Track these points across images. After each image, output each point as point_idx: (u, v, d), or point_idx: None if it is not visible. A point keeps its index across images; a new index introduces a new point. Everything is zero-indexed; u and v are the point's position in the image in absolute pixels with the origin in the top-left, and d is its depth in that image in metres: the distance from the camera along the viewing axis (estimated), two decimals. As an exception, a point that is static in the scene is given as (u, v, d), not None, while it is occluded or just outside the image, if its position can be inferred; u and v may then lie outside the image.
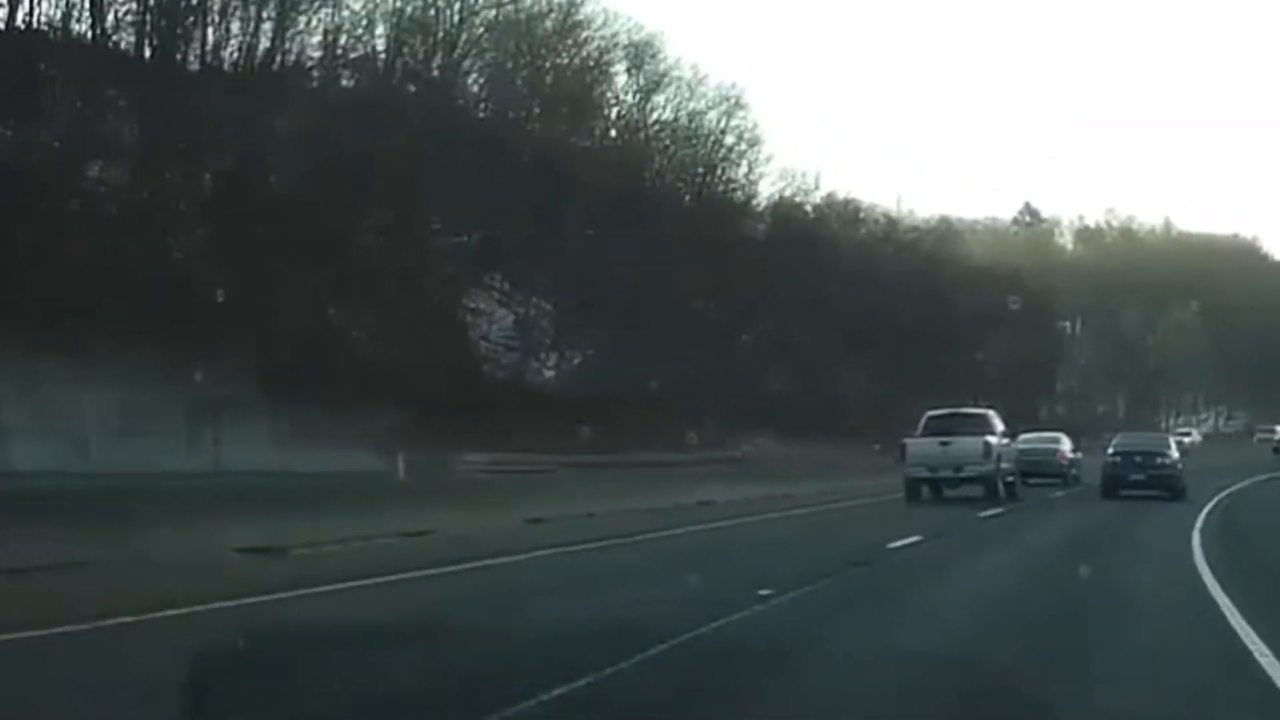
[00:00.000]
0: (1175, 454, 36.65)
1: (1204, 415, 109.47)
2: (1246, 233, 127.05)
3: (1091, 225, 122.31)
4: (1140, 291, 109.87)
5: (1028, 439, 44.11)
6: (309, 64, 50.75)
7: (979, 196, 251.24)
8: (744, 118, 67.78)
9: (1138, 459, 35.99)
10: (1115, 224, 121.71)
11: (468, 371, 51.86)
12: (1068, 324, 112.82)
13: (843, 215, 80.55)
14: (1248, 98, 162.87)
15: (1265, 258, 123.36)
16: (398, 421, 41.25)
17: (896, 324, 73.15)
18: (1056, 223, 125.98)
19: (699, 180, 68.59)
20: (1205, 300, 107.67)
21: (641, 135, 65.80)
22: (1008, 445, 35.96)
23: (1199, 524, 26.16)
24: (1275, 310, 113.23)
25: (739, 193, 70.93)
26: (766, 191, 74.50)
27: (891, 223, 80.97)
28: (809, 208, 77.58)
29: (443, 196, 53.51)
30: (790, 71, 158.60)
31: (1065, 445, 47.42)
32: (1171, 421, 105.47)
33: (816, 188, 77.08)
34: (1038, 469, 42.82)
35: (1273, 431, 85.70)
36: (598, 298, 57.52)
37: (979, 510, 30.71)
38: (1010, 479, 35.36)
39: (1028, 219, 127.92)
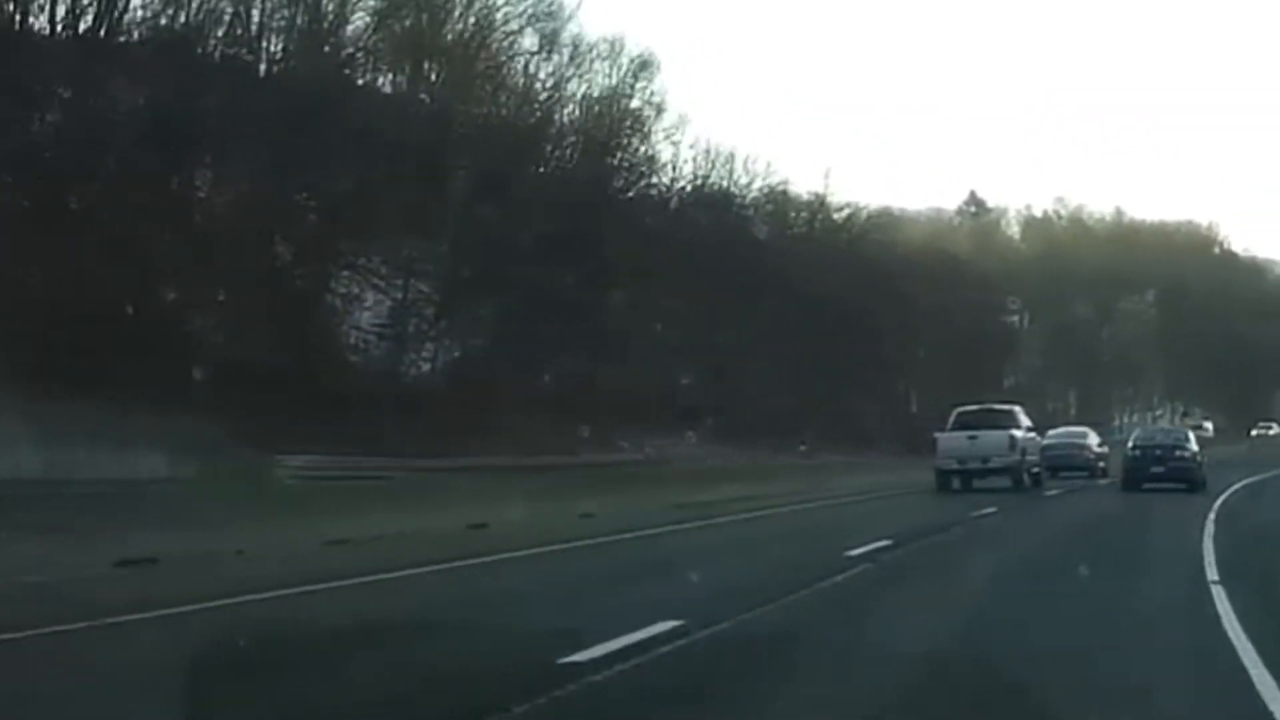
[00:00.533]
0: (1194, 447, 37.07)
1: (1159, 412, 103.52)
2: (1202, 219, 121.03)
3: (1039, 214, 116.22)
4: (1092, 282, 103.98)
5: (1055, 434, 47.35)
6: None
7: (923, 187, 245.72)
8: (652, 80, 61.08)
9: (1158, 452, 36.47)
10: (1064, 213, 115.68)
11: (325, 364, 45.08)
12: (1015, 318, 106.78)
13: (773, 200, 74.05)
14: (1199, 83, 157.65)
15: (1222, 244, 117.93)
16: (219, 420, 34.71)
17: (826, 315, 66.86)
18: (1003, 212, 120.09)
19: (609, 153, 61.89)
20: (1161, 290, 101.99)
21: (541, 104, 58.97)
22: (1033, 439, 38.35)
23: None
24: (1233, 299, 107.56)
25: (654, 171, 64.30)
26: (690, 171, 68.14)
27: (820, 205, 73.89)
28: (735, 191, 70.90)
29: (306, 164, 46.69)
30: (730, 60, 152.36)
31: (1092, 439, 48.87)
32: (1127, 419, 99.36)
33: (747, 173, 70.25)
34: (1067, 462, 44.16)
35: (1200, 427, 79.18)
36: (486, 281, 50.86)
37: (972, 509, 27.97)
38: (1035, 470, 37.55)
39: (973, 209, 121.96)
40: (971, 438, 35.56)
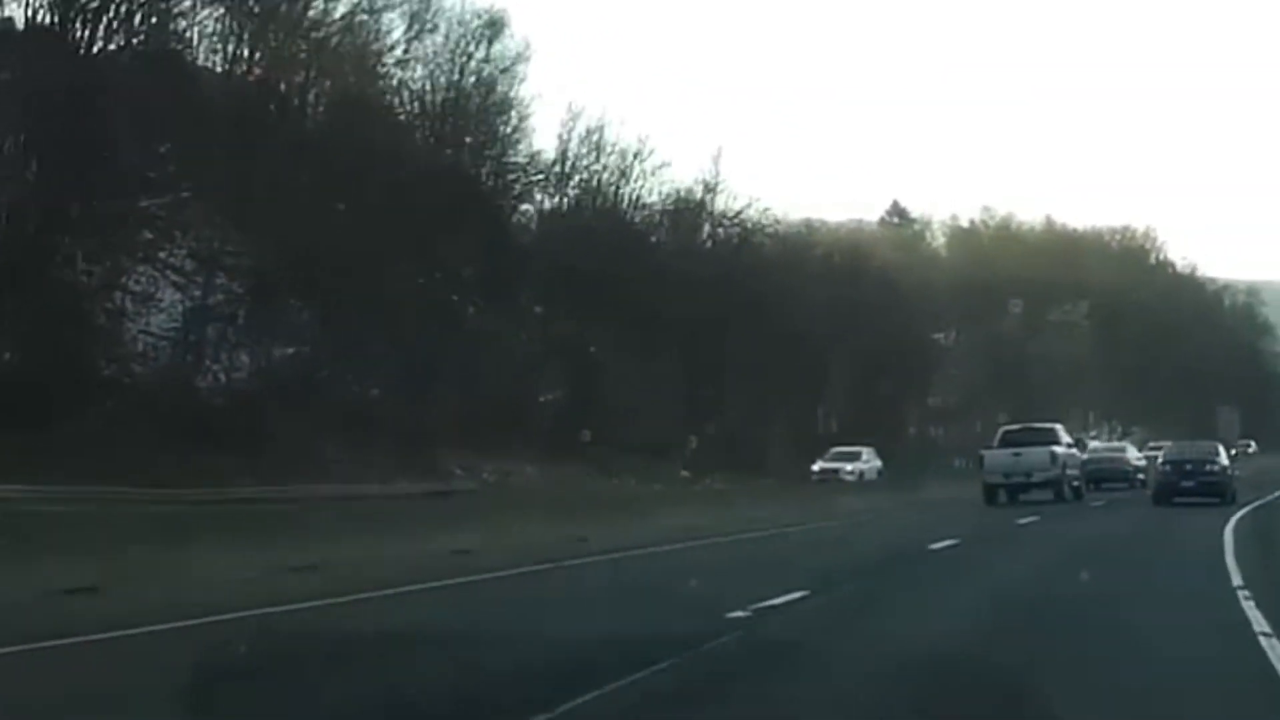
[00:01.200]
0: (1224, 460, 37.89)
1: (1094, 431, 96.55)
2: (1138, 224, 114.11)
3: (965, 224, 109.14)
4: (1022, 294, 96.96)
5: (1096, 448, 51.83)
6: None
7: (845, 199, 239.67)
8: (509, 38, 53.50)
9: (1188, 467, 37.11)
10: (991, 222, 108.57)
11: (89, 376, 37.10)
12: (941, 335, 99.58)
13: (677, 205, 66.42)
14: (1135, 89, 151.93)
15: (1159, 252, 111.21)
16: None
17: (719, 329, 59.36)
18: (927, 223, 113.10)
19: (468, 134, 54.24)
20: (1095, 301, 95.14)
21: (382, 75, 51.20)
22: (1073, 454, 41.29)
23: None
24: (1172, 311, 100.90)
25: (533, 166, 56.66)
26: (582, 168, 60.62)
27: (707, 194, 65.69)
28: (626, 190, 63.08)
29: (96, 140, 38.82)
30: (645, 65, 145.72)
31: (1131, 453, 52.86)
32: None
33: (643, 172, 62.58)
34: (1107, 475, 47.22)
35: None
36: (305, 279, 42.99)
37: (930, 540, 23.70)
38: (1076, 483, 40.11)
39: (896, 219, 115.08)
40: (1016, 454, 38.18)
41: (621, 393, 50.44)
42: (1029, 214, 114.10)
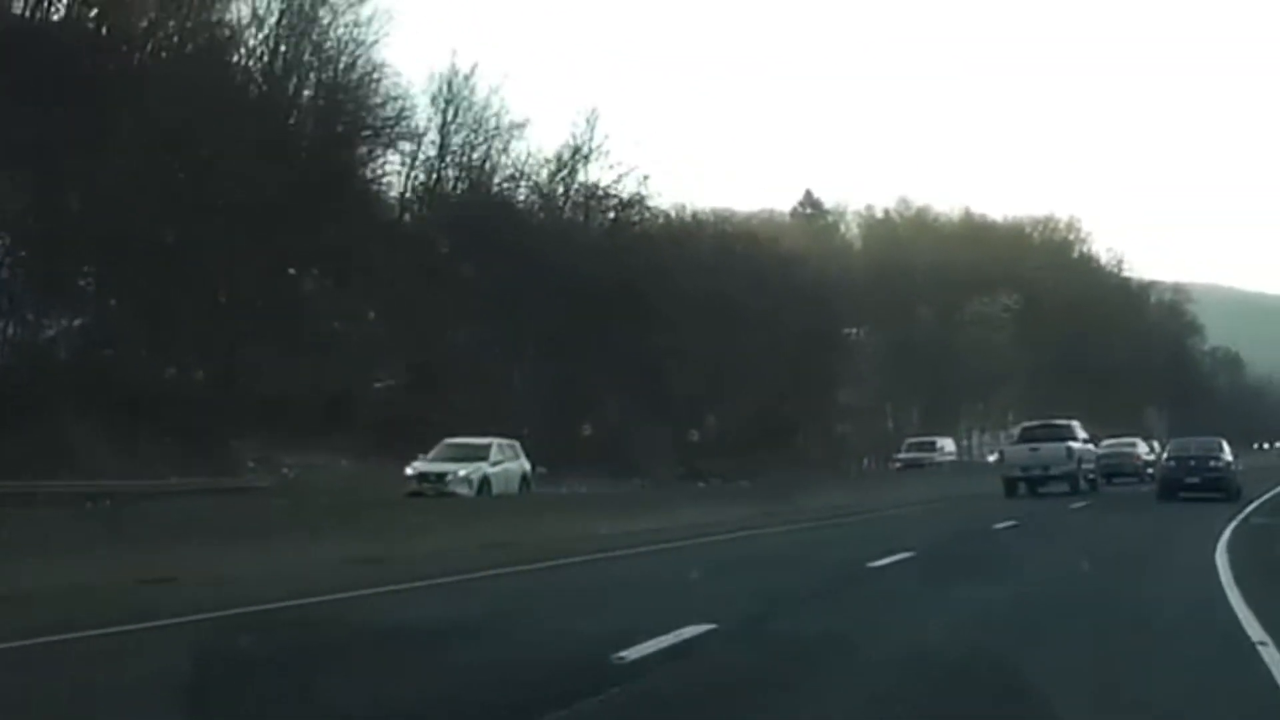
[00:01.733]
0: (1228, 456, 38.17)
1: (1014, 430, 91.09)
2: (1061, 213, 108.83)
3: (880, 215, 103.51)
4: (938, 287, 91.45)
5: (1109, 444, 51.51)
6: None
7: (757, 188, 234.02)
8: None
9: (1192, 463, 37.23)
10: (907, 213, 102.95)
11: None
12: (854, 330, 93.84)
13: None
14: (1052, 76, 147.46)
15: (1084, 244, 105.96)
16: None
17: (586, 316, 53.24)
18: (841, 214, 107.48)
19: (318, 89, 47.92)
20: (1014, 294, 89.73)
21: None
22: (1088, 449, 42.61)
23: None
24: (1096, 306, 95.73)
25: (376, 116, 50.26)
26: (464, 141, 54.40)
27: (573, 158, 58.94)
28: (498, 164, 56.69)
29: None
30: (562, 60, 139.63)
31: (1141, 448, 54.72)
32: (978, 437, 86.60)
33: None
34: (1119, 469, 48.27)
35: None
36: (94, 239, 36.48)
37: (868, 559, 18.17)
38: (1091, 476, 41.39)
39: (808, 210, 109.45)
40: (1034, 449, 39.60)
41: (473, 385, 44.06)
42: (948, 205, 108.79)
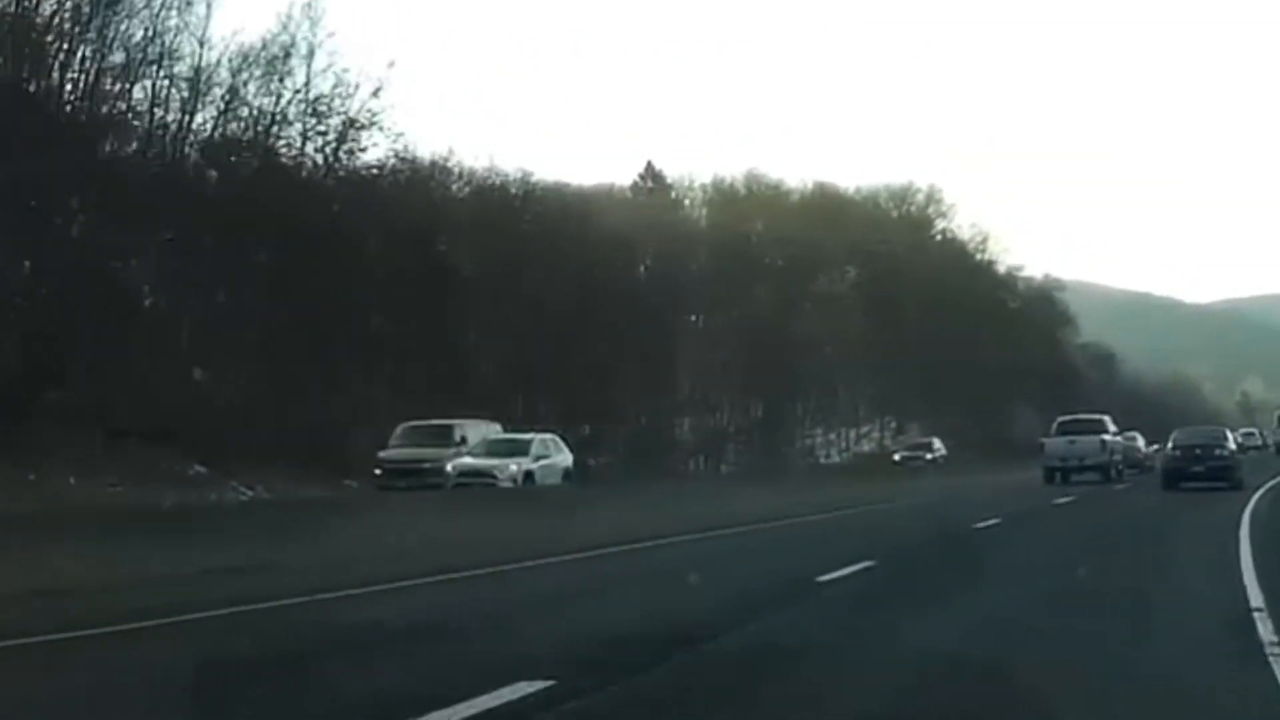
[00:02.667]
0: (1232, 445, 39.37)
1: (866, 428, 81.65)
2: (921, 183, 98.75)
3: (726, 188, 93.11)
4: (783, 266, 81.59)
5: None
6: None
7: (598, 160, 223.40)
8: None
9: (1197, 452, 37.94)
10: (755, 187, 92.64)
11: None
12: (697, 317, 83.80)
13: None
14: (907, 41, 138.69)
15: (947, 216, 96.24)
16: None
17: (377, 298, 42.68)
18: (686, 188, 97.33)
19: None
20: (867, 273, 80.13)
21: None
22: (1119, 441, 47.56)
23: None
24: (959, 290, 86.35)
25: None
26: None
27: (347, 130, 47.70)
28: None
29: None
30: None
31: (1140, 441, 57.89)
32: (821, 436, 76.63)
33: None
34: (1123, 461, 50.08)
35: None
36: None
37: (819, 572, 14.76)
38: (1121, 467, 45.77)
39: (649, 183, 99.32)
40: (1071, 442, 43.31)
41: (136, 357, 33.06)
42: (802, 179, 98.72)
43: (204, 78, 41.65)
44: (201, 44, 42.03)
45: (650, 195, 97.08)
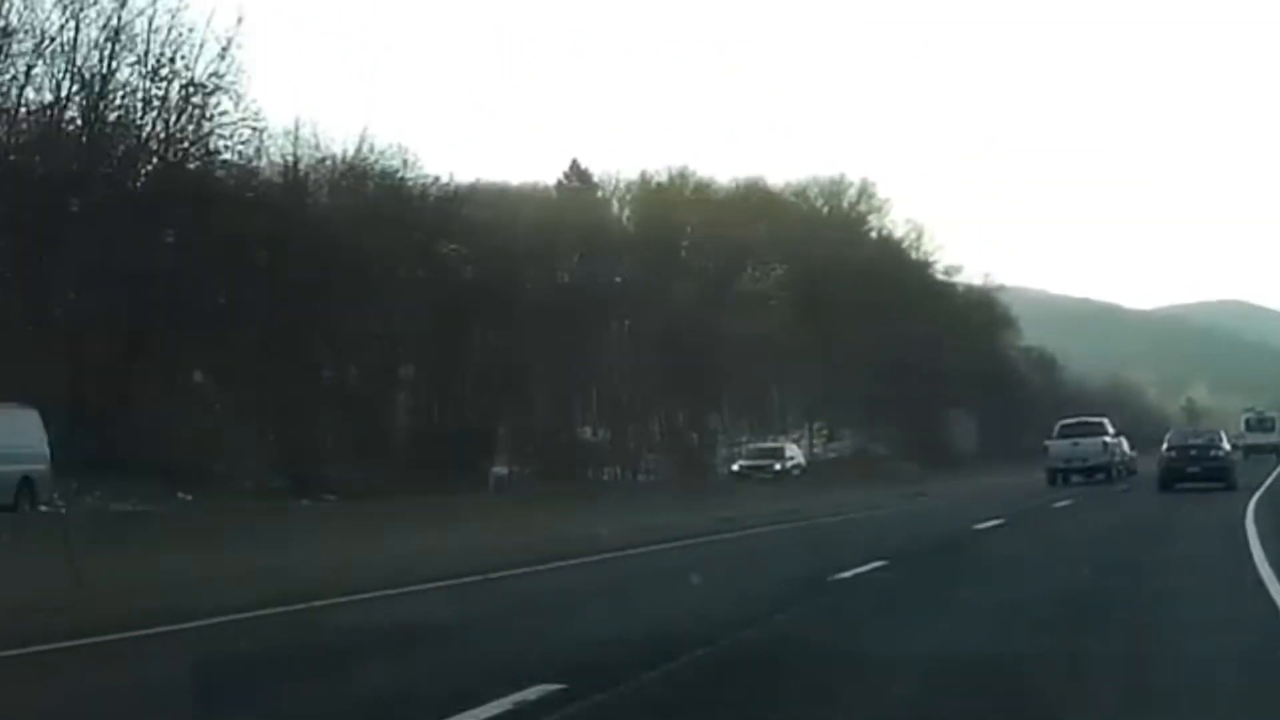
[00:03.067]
0: (1228, 446, 39.98)
1: (796, 434, 77.74)
2: (854, 176, 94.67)
3: (652, 185, 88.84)
4: (706, 264, 77.53)
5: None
6: None
7: (525, 159, 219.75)
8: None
9: (1193, 453, 38.55)
10: (682, 184, 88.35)
11: None
12: (621, 321, 79.66)
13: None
14: (845, 38, 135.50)
15: (879, 211, 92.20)
16: None
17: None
18: (613, 186, 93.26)
19: None
20: (796, 272, 76.18)
21: None
22: (1119, 442, 49.86)
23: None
24: (894, 290, 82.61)
25: None
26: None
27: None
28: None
29: None
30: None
31: (1124, 444, 55.27)
32: (743, 443, 72.23)
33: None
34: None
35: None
36: None
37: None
38: (1122, 467, 48.35)
39: (574, 181, 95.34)
40: (1074, 444, 45.80)
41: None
42: (732, 176, 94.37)
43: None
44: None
45: (576, 195, 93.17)
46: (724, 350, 69.62)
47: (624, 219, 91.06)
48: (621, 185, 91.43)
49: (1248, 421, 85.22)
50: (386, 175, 54.60)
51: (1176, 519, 25.61)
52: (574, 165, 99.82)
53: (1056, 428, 47.99)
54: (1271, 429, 77.03)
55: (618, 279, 78.65)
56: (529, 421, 63.06)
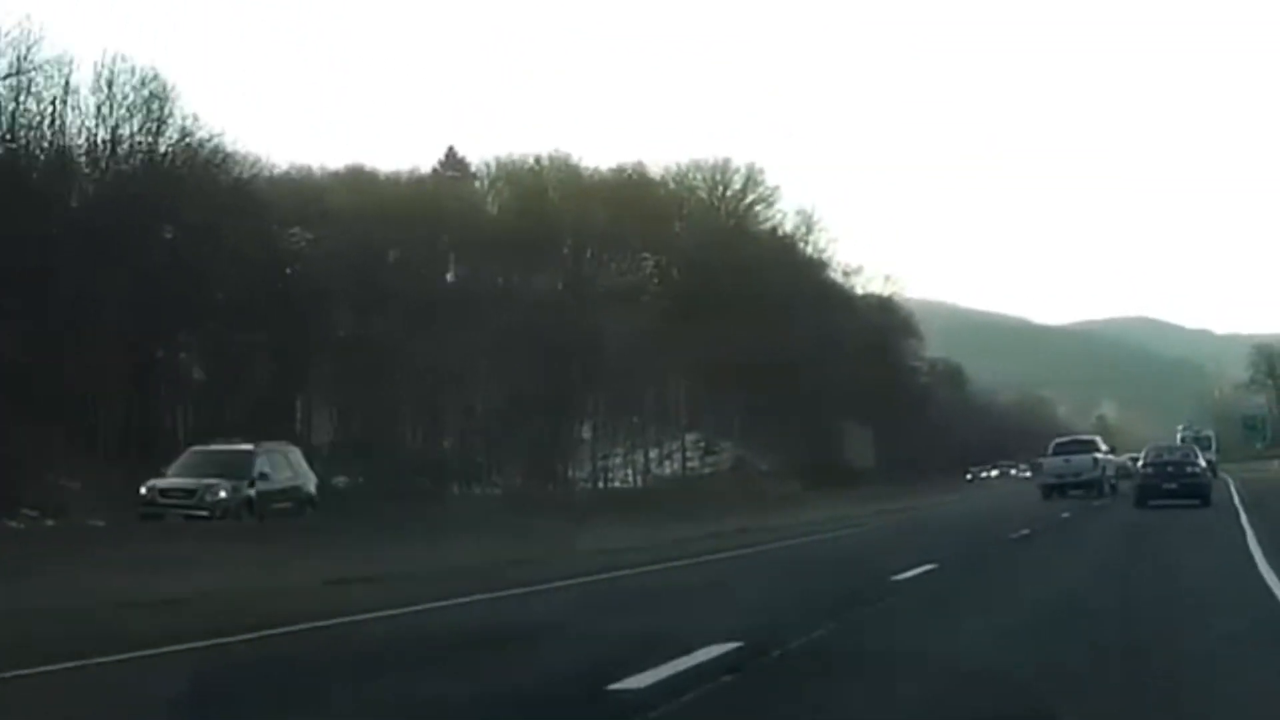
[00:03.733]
0: (1203, 463, 39.48)
1: (672, 446, 70.56)
2: (739, 161, 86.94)
3: (523, 171, 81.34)
4: (576, 255, 70.23)
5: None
6: None
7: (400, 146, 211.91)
8: None
9: (1169, 469, 38.17)
10: (554, 169, 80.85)
11: None
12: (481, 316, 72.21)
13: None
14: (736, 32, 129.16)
15: (767, 201, 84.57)
16: None
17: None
18: (487, 174, 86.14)
19: None
20: (670, 263, 69.08)
21: None
22: (1110, 459, 51.38)
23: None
24: (784, 289, 75.54)
25: None
26: None
27: None
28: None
29: None
30: None
31: (1114, 461, 56.11)
32: (629, 456, 65.02)
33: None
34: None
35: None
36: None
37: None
38: (1114, 482, 49.03)
39: (450, 170, 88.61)
40: (1067, 460, 47.64)
41: None
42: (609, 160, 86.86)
43: None
44: None
45: (452, 183, 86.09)
46: (590, 350, 62.29)
47: (492, 206, 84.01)
48: (493, 169, 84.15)
49: (1183, 440, 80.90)
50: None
51: (1166, 564, 17.75)
52: (450, 153, 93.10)
53: (1050, 446, 50.79)
54: (1209, 447, 73.10)
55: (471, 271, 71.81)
56: (350, 428, 55.66)
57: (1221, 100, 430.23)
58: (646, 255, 67.60)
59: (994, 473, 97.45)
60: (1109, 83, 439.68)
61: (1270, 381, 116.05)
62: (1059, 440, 51.56)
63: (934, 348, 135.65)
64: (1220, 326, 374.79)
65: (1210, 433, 79.73)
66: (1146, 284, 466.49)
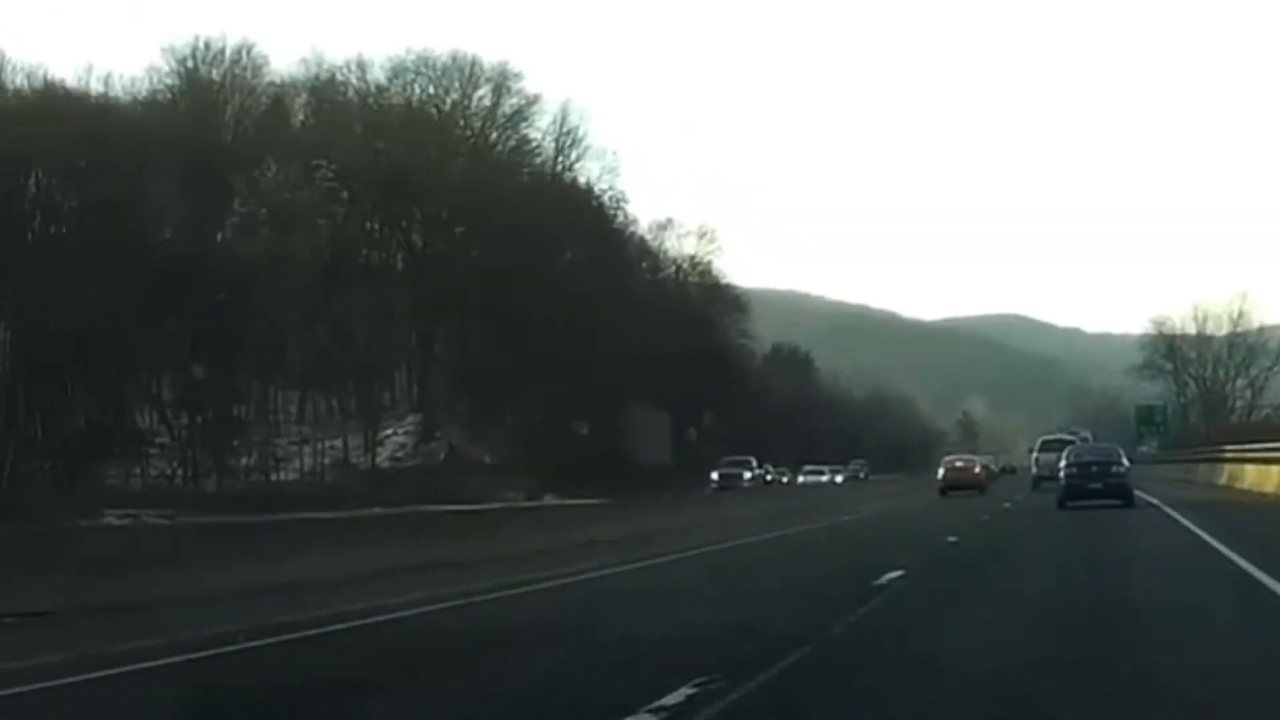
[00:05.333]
0: (1126, 463, 39.57)
1: (401, 426, 53.22)
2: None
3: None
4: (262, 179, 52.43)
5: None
6: None
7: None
8: None
9: (1094, 469, 38.15)
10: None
11: None
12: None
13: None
14: None
15: (528, 114, 66.55)
16: None
17: None
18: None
19: None
20: (367, 183, 51.45)
21: None
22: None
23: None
24: (572, 243, 58.53)
25: None
26: None
27: None
28: None
29: None
30: None
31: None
32: (309, 443, 47.15)
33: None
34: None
35: None
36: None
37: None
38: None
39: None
40: (1056, 456, 45.47)
41: None
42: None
43: None
44: None
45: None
46: (241, 293, 44.36)
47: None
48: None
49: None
50: None
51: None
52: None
53: (1038, 442, 54.52)
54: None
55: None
56: None
57: (1093, 101, 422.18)
58: (321, 163, 49.78)
59: (824, 476, 78.75)
60: (981, 75, 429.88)
61: (1170, 366, 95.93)
62: (1045, 438, 56.26)
63: (791, 339, 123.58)
64: (1091, 325, 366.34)
65: (1088, 433, 64.90)
66: (1019, 282, 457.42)
